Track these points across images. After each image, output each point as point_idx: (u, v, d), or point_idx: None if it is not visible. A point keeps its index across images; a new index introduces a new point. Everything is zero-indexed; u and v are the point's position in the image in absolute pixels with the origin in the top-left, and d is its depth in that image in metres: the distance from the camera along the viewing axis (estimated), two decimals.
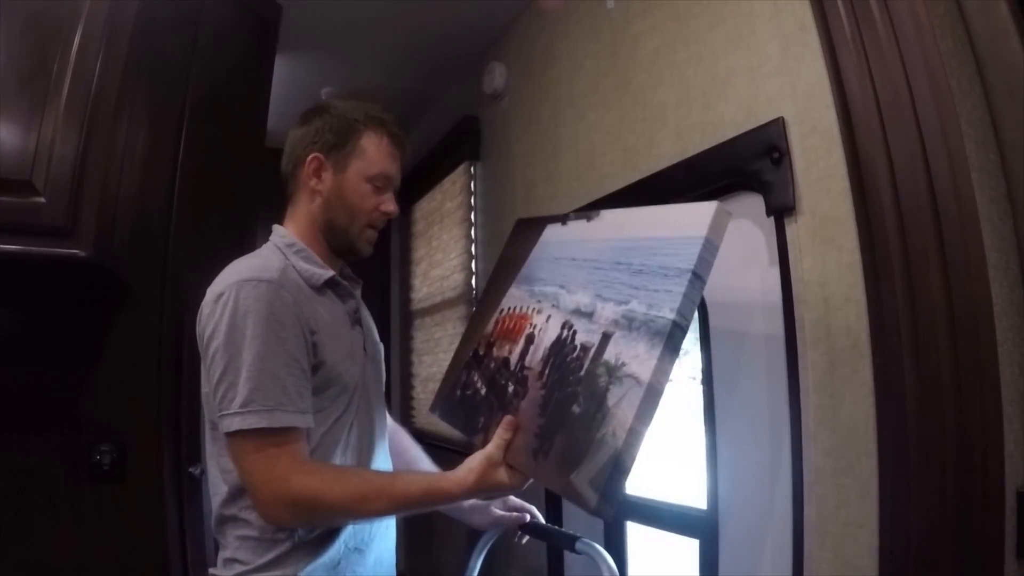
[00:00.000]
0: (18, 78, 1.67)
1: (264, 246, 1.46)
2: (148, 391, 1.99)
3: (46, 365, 1.93)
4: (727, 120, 1.74)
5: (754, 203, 1.64)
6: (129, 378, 1.98)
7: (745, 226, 1.68)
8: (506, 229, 2.87)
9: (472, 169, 3.38)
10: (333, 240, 1.47)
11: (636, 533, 2.14)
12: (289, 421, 1.21)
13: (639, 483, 2.09)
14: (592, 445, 1.08)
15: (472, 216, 3.35)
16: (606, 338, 1.18)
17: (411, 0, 2.83)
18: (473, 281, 3.28)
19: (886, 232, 1.30)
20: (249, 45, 2.59)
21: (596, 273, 1.32)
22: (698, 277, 1.11)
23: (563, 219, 1.53)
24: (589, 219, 1.46)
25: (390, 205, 1.49)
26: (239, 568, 1.28)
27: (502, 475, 1.20)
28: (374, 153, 1.47)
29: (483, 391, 1.43)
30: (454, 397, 1.54)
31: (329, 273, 1.42)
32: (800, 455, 1.48)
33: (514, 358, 1.38)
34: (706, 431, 1.77)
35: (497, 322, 1.52)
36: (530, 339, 1.37)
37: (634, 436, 1.04)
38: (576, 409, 1.15)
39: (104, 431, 1.93)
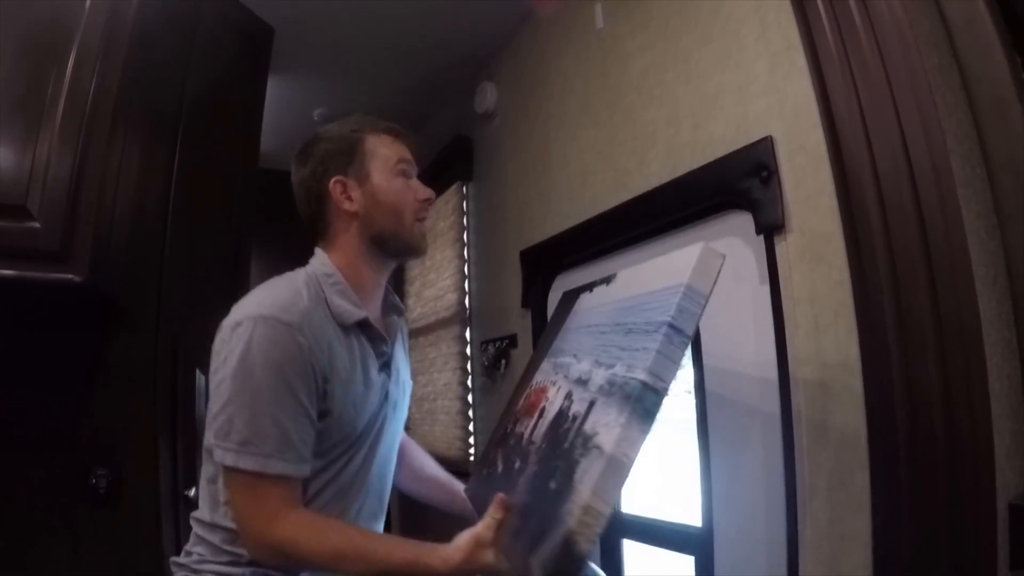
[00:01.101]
0: (13, 101, 1.69)
1: (301, 271, 1.42)
2: (144, 414, 2.00)
3: (42, 387, 1.92)
4: (716, 139, 1.75)
5: (744, 221, 1.65)
6: (125, 401, 1.98)
7: (735, 244, 1.70)
8: (499, 249, 2.91)
9: (465, 189, 3.39)
10: (386, 249, 1.45)
11: (632, 550, 2.14)
12: (283, 470, 1.21)
13: (634, 501, 2.09)
14: (554, 524, 0.97)
15: (465, 236, 3.36)
16: (590, 406, 1.10)
17: (402, 21, 2.85)
18: (467, 301, 3.29)
19: (874, 249, 1.31)
20: (242, 67, 2.62)
21: (600, 338, 1.28)
22: (676, 330, 1.02)
23: (591, 287, 1.51)
24: (608, 283, 1.44)
25: (423, 192, 1.47)
26: (196, 557, 1.31)
27: (489, 556, 1.13)
28: (386, 148, 1.46)
29: (500, 468, 1.38)
30: (481, 476, 1.50)
31: (361, 315, 1.38)
32: (793, 470, 1.49)
33: (526, 433, 1.33)
34: (700, 446, 1.77)
35: (525, 397, 1.48)
36: (542, 413, 1.32)
37: (590, 516, 0.93)
38: (552, 485, 1.05)
39: (100, 454, 1.93)
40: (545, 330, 1.72)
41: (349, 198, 1.43)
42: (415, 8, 2.74)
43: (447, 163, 3.50)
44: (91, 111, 1.73)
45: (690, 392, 1.86)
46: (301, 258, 1.45)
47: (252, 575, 1.28)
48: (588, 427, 1.05)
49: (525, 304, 2.65)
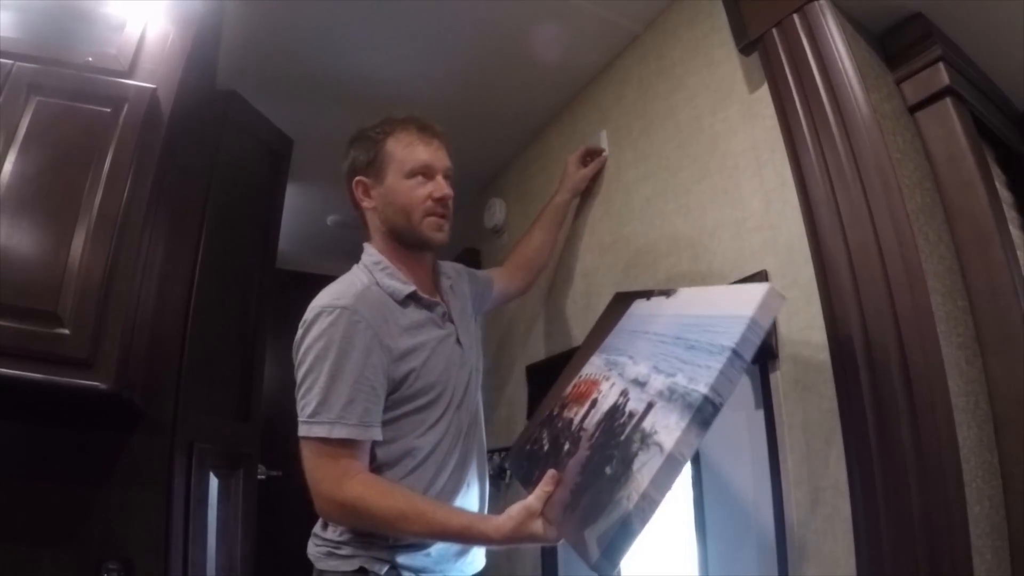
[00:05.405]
0: (48, 209, 1.77)
1: (355, 266, 1.62)
2: (157, 512, 2.01)
3: (57, 482, 1.95)
4: (714, 270, 1.82)
5: None
6: (139, 499, 2.00)
7: None
8: (506, 361, 2.94)
9: None
10: (404, 241, 1.64)
11: None
12: (347, 434, 1.36)
13: None
14: (610, 505, 1.11)
15: None
16: (649, 407, 1.23)
17: None
18: None
19: (860, 383, 1.37)
20: (263, 174, 2.75)
21: (659, 346, 1.39)
22: (738, 356, 1.14)
23: (648, 295, 1.63)
24: (668, 296, 1.55)
25: (439, 190, 1.62)
26: (339, 531, 1.46)
27: (538, 526, 1.25)
28: (402, 151, 1.62)
29: (546, 447, 1.50)
30: (523, 450, 1.62)
31: (410, 288, 1.57)
32: None
33: (576, 419, 1.45)
34: (699, 561, 1.78)
35: (574, 386, 1.61)
36: (593, 403, 1.44)
37: (646, 502, 1.07)
38: (608, 470, 1.19)
39: (113, 549, 1.94)
40: (595, 326, 1.84)
41: (368, 196, 1.65)
42: None
43: None
44: (122, 219, 1.80)
45: (690, 514, 1.88)
46: None
47: (391, 553, 1.43)
48: (647, 426, 1.18)
49: (530, 417, 2.64)
